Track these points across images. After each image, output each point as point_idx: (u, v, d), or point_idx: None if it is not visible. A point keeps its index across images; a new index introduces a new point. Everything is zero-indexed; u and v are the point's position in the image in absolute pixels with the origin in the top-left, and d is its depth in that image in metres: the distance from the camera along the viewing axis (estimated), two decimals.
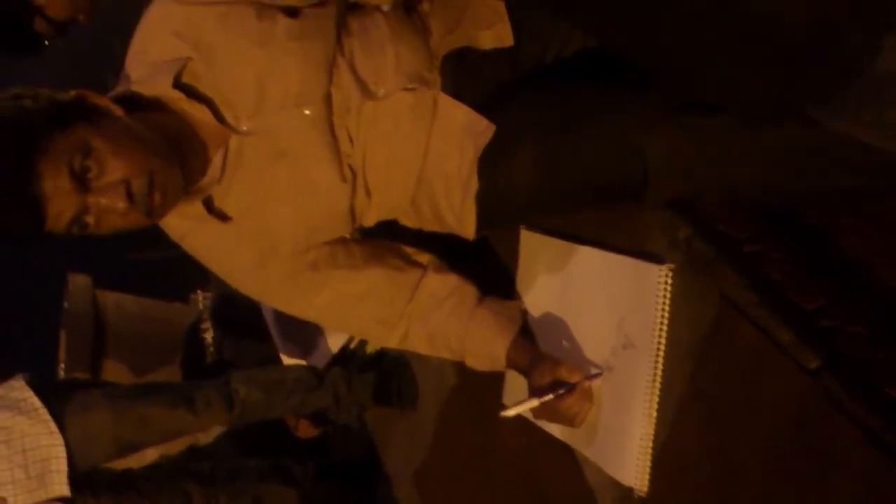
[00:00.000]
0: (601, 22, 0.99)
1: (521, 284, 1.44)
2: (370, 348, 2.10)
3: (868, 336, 0.97)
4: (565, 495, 1.40)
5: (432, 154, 1.23)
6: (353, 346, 2.12)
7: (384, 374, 2.01)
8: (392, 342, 1.39)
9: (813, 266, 1.06)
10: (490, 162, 1.18)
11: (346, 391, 2.02)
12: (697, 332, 1.13)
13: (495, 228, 1.39)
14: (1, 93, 1.10)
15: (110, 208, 1.07)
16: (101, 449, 1.84)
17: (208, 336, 3.13)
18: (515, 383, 1.41)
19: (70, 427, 1.79)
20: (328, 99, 1.17)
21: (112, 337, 3.61)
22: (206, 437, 2.36)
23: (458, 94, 1.21)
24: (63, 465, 1.75)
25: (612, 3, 0.93)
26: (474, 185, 1.21)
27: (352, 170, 1.22)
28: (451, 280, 1.36)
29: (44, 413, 1.77)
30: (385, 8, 1.20)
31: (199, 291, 3.79)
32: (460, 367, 1.52)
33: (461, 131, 1.21)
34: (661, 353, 1.17)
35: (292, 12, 1.16)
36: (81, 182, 1.06)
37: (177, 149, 1.14)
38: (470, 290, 1.36)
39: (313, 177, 1.21)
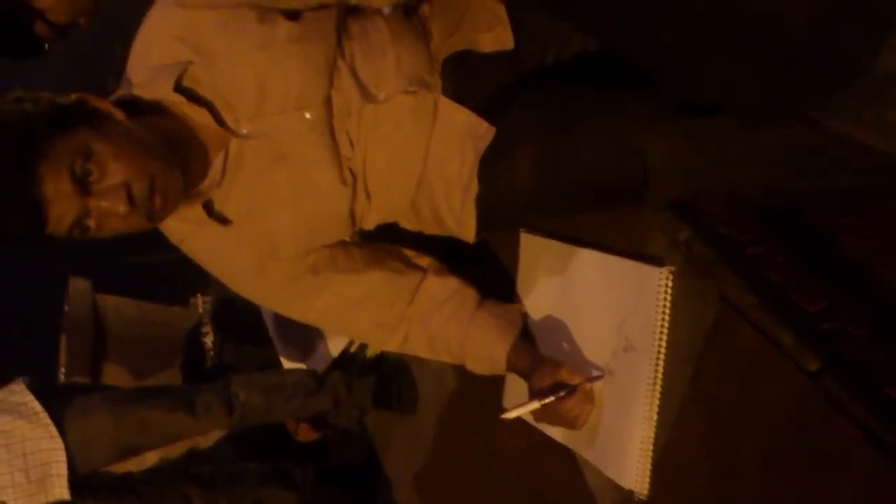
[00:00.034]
0: (601, 22, 0.99)
1: (521, 287, 1.44)
2: (370, 352, 2.10)
3: (868, 336, 0.97)
4: (565, 498, 1.40)
5: (433, 157, 1.23)
6: (353, 349, 2.12)
7: (384, 377, 2.01)
8: (392, 346, 1.39)
9: (813, 266, 1.06)
10: (490, 164, 1.19)
11: (347, 395, 2.02)
12: (698, 333, 1.13)
13: (495, 230, 1.39)
14: (2, 96, 1.10)
15: (111, 212, 1.07)
16: (102, 453, 1.84)
17: (208, 340, 3.13)
18: (515, 387, 1.41)
19: (70, 431, 1.79)
20: (328, 102, 1.17)
21: (112, 341, 3.61)
22: (206, 440, 2.36)
23: (458, 97, 1.22)
24: (63, 469, 1.75)
25: (612, 3, 0.93)
26: (474, 188, 1.21)
27: (352, 173, 1.22)
28: (451, 283, 1.36)
29: (44, 417, 1.77)
30: (385, 11, 1.20)
31: (198, 295, 3.79)
32: (460, 371, 1.52)
33: (462, 134, 1.21)
34: (662, 356, 1.17)
35: (293, 16, 1.16)
36: (82, 185, 1.06)
37: (177, 152, 1.14)
38: (470, 294, 1.36)
39: (313, 180, 1.21)
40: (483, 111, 1.20)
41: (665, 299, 1.16)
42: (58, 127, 1.07)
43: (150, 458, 2.22)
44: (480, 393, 1.58)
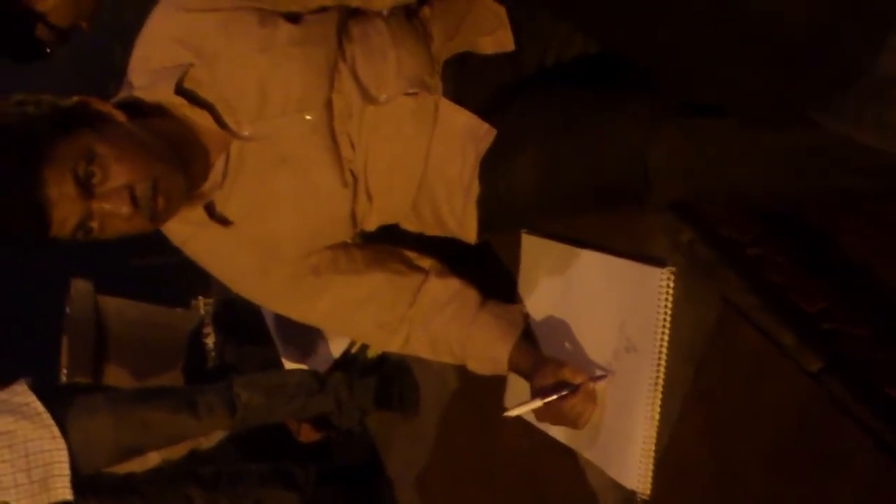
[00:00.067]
0: (601, 22, 0.99)
1: (522, 288, 1.44)
2: (372, 353, 2.10)
3: (868, 336, 0.97)
4: (567, 498, 1.40)
5: (434, 159, 1.23)
6: (354, 350, 2.13)
7: (386, 378, 2.01)
8: (394, 347, 1.39)
9: (813, 267, 1.06)
10: (491, 165, 1.19)
11: (348, 396, 2.02)
12: (699, 334, 1.13)
13: (497, 232, 1.39)
14: (4, 100, 1.10)
15: (114, 213, 1.08)
16: (104, 453, 1.84)
17: (210, 341, 3.13)
18: (517, 387, 1.41)
19: (72, 431, 1.79)
20: (329, 104, 1.17)
21: (114, 342, 3.61)
22: (209, 441, 2.36)
23: (459, 98, 1.22)
24: (65, 470, 1.76)
25: (612, 4, 0.94)
26: (476, 189, 1.21)
27: (353, 175, 1.22)
28: (453, 284, 1.36)
29: (46, 418, 1.77)
30: (386, 13, 1.20)
31: (200, 297, 3.80)
32: (462, 372, 1.52)
33: (462, 136, 1.21)
34: (664, 356, 1.17)
35: (294, 18, 1.16)
36: (85, 188, 1.06)
37: (179, 154, 1.14)
38: (471, 295, 1.37)
39: (315, 182, 1.21)
40: (484, 113, 1.20)
41: (667, 300, 1.16)
42: (60, 130, 1.07)
43: (153, 459, 2.22)
44: (482, 394, 1.58)
